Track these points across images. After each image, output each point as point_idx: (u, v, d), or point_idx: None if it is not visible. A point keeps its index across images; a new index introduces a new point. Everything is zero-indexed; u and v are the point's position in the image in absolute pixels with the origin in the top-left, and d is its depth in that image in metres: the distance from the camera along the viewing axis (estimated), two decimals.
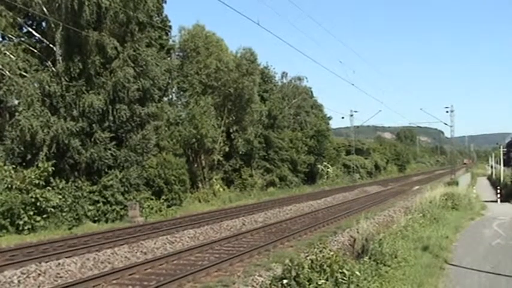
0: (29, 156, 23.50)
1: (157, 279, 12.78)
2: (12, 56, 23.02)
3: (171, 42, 38.16)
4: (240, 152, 41.88)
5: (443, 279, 11.30)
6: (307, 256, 9.07)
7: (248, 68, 40.47)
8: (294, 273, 8.15)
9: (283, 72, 61.86)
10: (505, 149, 52.04)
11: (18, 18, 24.51)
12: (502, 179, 45.32)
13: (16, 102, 24.04)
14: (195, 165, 37.47)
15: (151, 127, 28.41)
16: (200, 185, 37.39)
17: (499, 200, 33.22)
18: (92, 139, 25.45)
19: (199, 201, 35.42)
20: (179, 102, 40.52)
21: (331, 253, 9.06)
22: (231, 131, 41.13)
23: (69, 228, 22.92)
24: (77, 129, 24.27)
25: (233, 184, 42.58)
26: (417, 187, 50.78)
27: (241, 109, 41.43)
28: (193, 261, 15.33)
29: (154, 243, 17.95)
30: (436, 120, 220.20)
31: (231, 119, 41.23)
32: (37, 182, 22.47)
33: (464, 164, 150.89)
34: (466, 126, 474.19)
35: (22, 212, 21.40)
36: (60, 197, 23.30)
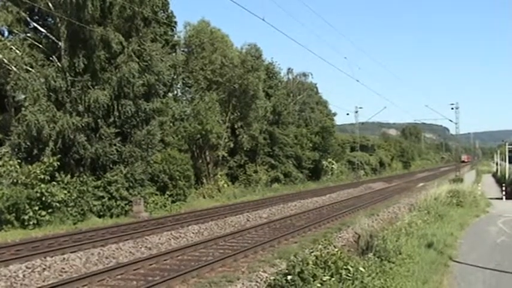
0: (34, 151, 23.49)
1: (162, 274, 12.82)
2: (18, 51, 23.06)
3: (176, 37, 38.17)
4: (245, 148, 41.85)
5: (448, 276, 11.29)
6: (312, 252, 9.07)
7: (253, 64, 40.46)
8: (298, 269, 8.16)
9: (289, 68, 61.61)
10: (510, 146, 51.70)
11: (24, 14, 24.52)
12: (507, 176, 45.14)
13: (22, 97, 24.11)
14: (200, 161, 37.54)
15: (156, 123, 28.40)
16: (205, 181, 37.44)
17: (504, 197, 33.11)
18: (97, 134, 25.48)
19: (204, 197, 35.52)
20: (184, 98, 40.58)
21: (336, 249, 9.06)
22: (235, 127, 41.17)
23: (74, 223, 22.99)
24: (83, 125, 24.26)
25: (238, 180, 42.61)
26: (422, 184, 50.67)
27: (246, 105, 41.45)
28: (198, 256, 15.36)
29: (159, 239, 18.01)
30: (441, 117, 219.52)
31: (235, 115, 41.24)
32: (42, 176, 22.50)
33: (463, 161, 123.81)
34: (471, 123, 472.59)
35: (27, 206, 21.49)
36: (65, 192, 23.33)
